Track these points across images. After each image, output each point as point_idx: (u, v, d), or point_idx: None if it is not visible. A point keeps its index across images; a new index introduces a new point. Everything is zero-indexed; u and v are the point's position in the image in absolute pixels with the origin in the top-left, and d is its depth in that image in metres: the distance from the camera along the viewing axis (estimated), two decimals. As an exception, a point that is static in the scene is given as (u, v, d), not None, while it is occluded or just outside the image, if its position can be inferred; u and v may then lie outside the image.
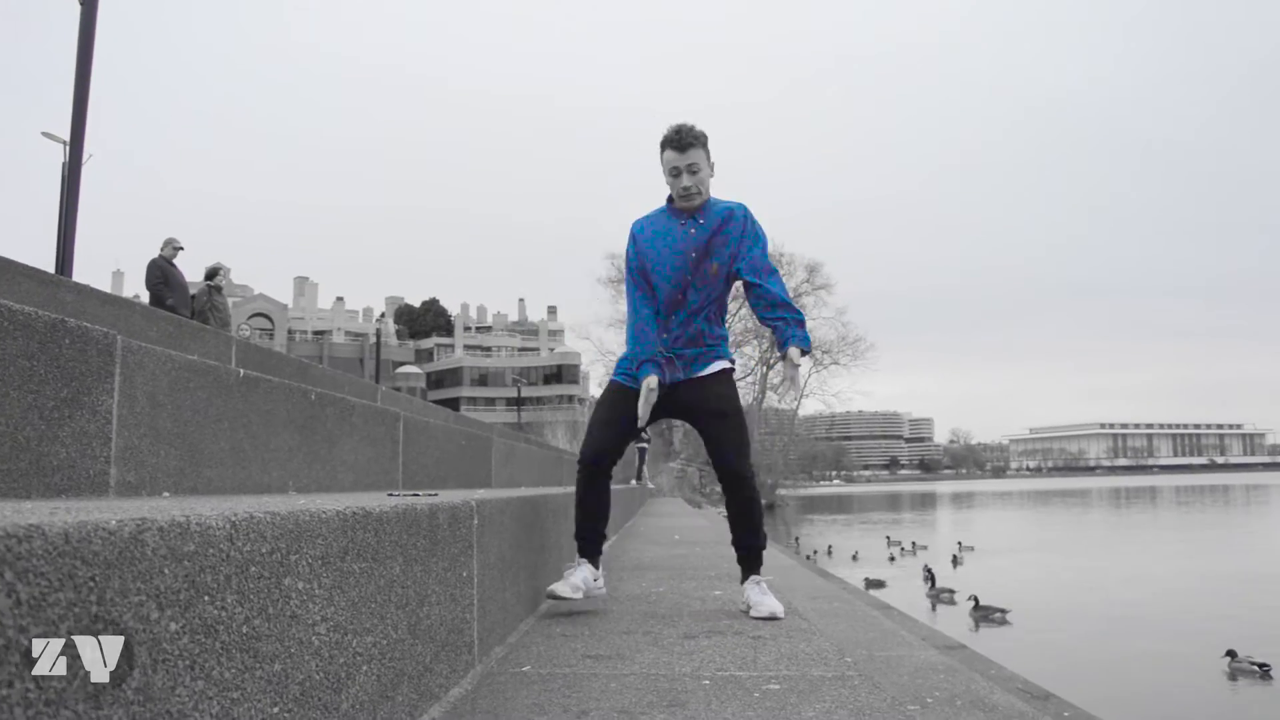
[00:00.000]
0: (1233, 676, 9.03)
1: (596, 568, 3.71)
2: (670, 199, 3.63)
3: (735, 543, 3.74)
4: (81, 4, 9.50)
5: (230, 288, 12.98)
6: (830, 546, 22.79)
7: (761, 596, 3.61)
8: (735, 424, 3.67)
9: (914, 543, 23.64)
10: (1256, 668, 8.96)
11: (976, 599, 12.82)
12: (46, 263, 9.84)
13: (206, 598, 1.10)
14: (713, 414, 3.63)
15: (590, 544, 3.70)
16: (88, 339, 2.31)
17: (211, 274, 12.63)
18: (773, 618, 3.49)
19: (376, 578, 1.67)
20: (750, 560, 3.71)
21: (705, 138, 3.54)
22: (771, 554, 8.22)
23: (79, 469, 2.25)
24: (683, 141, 3.49)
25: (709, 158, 3.56)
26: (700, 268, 3.56)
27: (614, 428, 3.65)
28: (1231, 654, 9.21)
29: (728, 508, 3.74)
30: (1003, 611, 12.44)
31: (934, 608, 13.58)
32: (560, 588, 3.50)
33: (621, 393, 3.64)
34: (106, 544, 0.93)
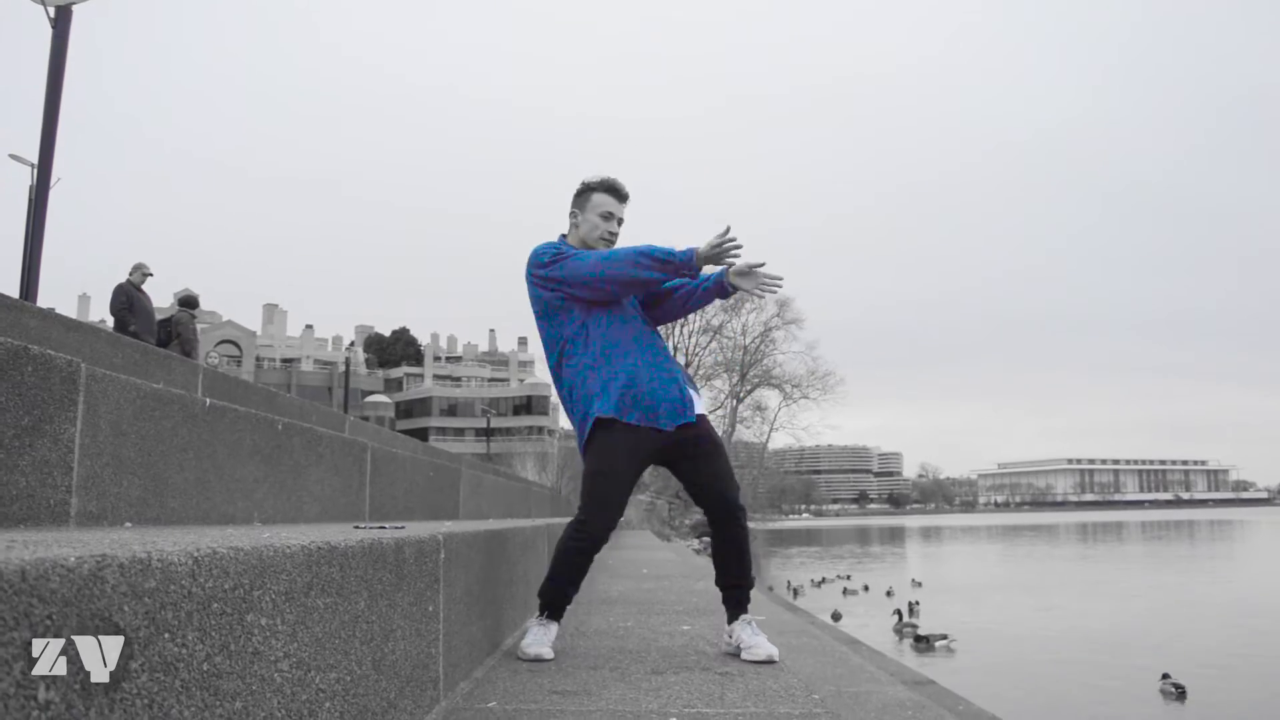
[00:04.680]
0: (1165, 696, 9.92)
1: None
2: (564, 237, 3.57)
3: (724, 581, 3.51)
4: (53, 26, 9.45)
5: (199, 314, 13.00)
6: (794, 586, 22.64)
7: (755, 637, 3.41)
8: (725, 455, 3.52)
9: (852, 580, 23.69)
10: (1174, 689, 9.85)
11: (917, 634, 13.44)
12: (11, 287, 9.75)
13: (167, 635, 1.09)
14: (705, 449, 3.44)
15: (563, 607, 3.49)
16: (51, 366, 2.28)
17: (189, 303, 12.77)
18: (769, 661, 3.29)
19: (341, 613, 1.66)
20: (740, 599, 3.50)
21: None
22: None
23: (39, 499, 2.22)
24: (624, 194, 3.52)
25: None
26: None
27: (629, 490, 3.42)
28: (1165, 676, 10.10)
29: (719, 543, 3.50)
30: (943, 638, 12.96)
31: (900, 641, 13.66)
32: (539, 649, 3.32)
33: (634, 437, 3.31)
34: (65, 581, 0.92)
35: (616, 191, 3.50)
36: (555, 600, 3.44)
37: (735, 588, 3.50)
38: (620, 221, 3.52)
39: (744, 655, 3.37)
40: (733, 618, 3.51)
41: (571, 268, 3.33)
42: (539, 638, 3.38)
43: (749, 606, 3.52)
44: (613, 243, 3.50)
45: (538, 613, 3.48)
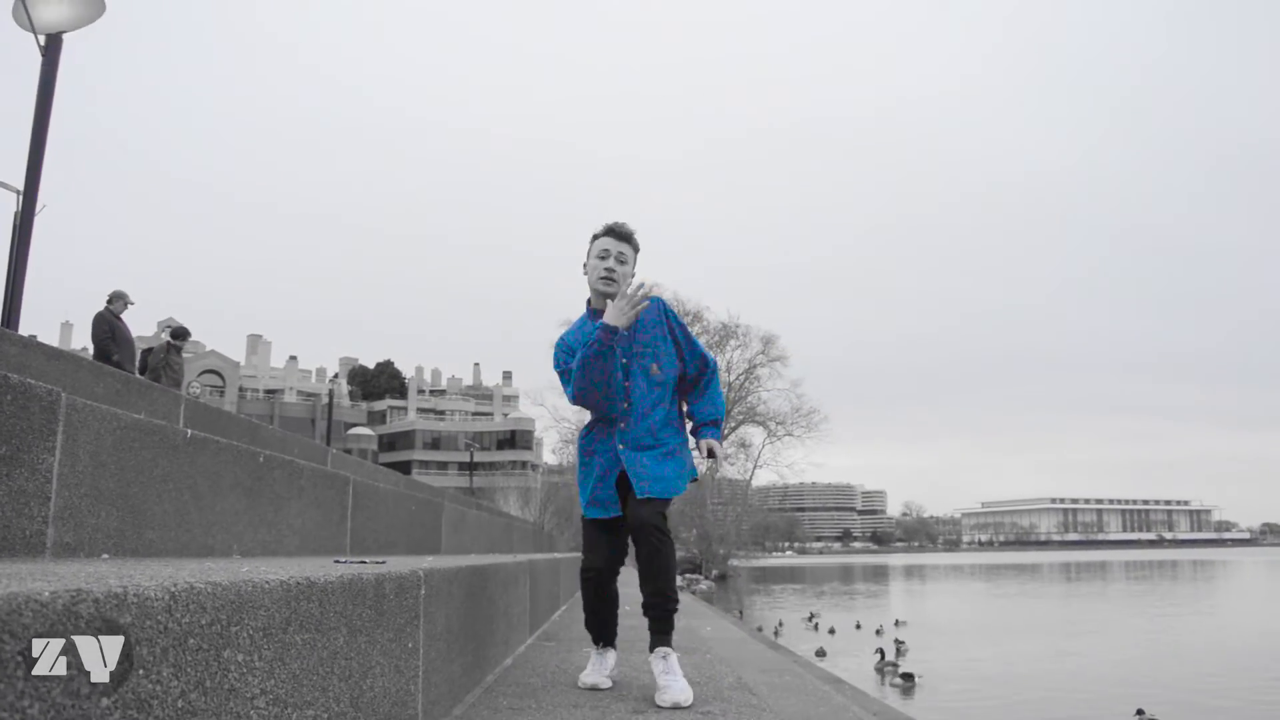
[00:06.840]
0: None
1: (615, 649, 3.78)
2: (589, 304, 3.64)
3: (644, 598, 3.36)
4: (43, 54, 9.46)
5: (184, 345, 12.94)
6: (779, 623, 22.53)
7: (669, 677, 3.24)
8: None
9: (821, 618, 23.72)
10: None
11: (901, 670, 13.72)
12: (-8, 314, 9.66)
13: (141, 671, 1.07)
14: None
15: (609, 632, 3.73)
16: (30, 395, 2.26)
17: (181, 335, 12.72)
18: (675, 708, 3.11)
19: (319, 649, 1.63)
20: (661, 622, 3.34)
21: (638, 245, 3.62)
22: (722, 626, 8.15)
23: (14, 529, 2.19)
24: (621, 232, 3.57)
25: (634, 264, 3.60)
26: (633, 369, 3.49)
27: (618, 535, 3.53)
28: (1140, 712, 10.41)
29: (636, 555, 3.41)
30: (912, 675, 13.28)
31: (882, 681, 13.64)
32: (592, 678, 3.61)
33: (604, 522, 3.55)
34: (38, 616, 0.90)
35: (612, 231, 3.57)
36: (594, 630, 3.74)
37: (651, 606, 3.36)
38: (623, 258, 3.55)
39: (656, 698, 3.22)
40: (652, 646, 3.37)
41: (571, 389, 3.48)
42: (594, 668, 3.68)
43: (671, 636, 3.36)
44: (612, 279, 3.51)
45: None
